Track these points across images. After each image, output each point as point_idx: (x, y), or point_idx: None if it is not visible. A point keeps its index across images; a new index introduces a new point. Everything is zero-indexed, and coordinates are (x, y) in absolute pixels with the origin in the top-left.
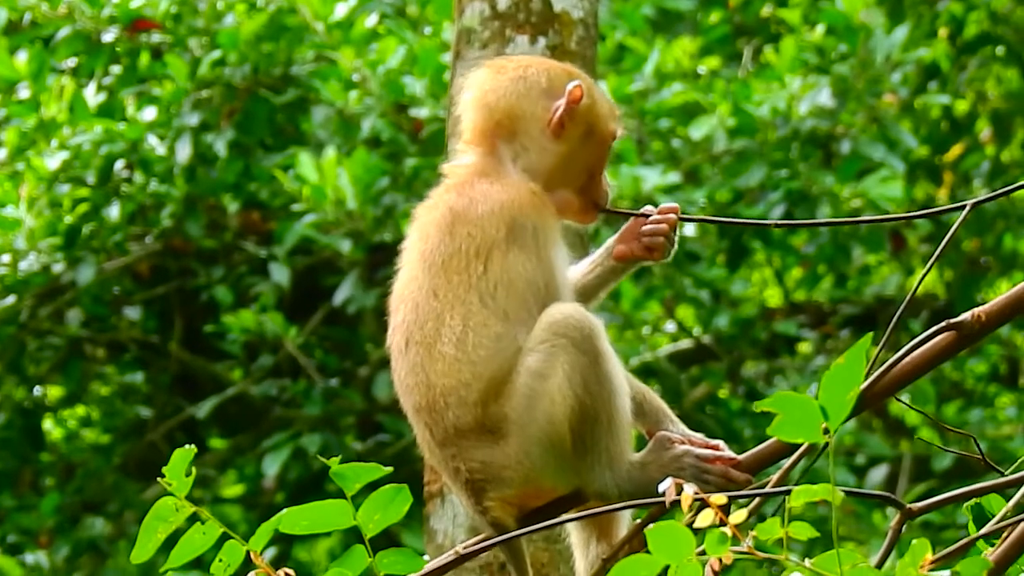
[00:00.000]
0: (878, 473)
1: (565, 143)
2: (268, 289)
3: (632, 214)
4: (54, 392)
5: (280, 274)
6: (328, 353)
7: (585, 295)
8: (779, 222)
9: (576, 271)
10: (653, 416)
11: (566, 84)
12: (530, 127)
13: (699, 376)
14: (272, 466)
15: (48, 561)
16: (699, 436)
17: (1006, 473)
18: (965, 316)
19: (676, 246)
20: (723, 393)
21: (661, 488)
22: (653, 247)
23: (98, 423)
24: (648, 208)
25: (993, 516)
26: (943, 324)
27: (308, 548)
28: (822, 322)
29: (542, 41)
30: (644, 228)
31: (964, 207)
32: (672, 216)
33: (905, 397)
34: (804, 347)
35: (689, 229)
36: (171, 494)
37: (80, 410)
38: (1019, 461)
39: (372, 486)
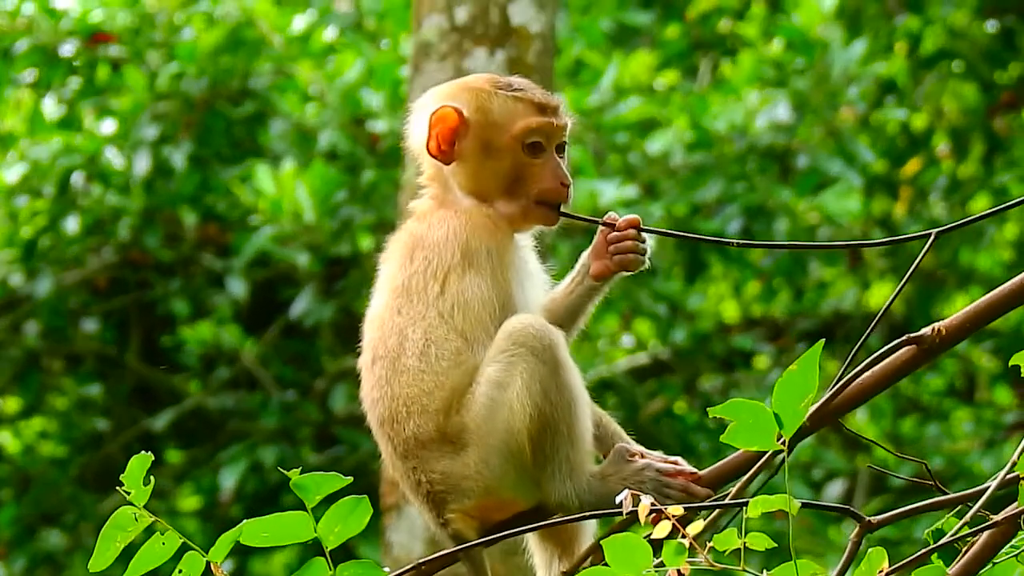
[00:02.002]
0: (835, 488)
1: (466, 162)
2: (225, 301)
3: (591, 220)
4: (11, 404)
5: (237, 287)
6: (285, 365)
7: (571, 315)
8: (743, 242)
9: (554, 295)
10: (609, 440)
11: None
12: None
13: (656, 390)
14: (229, 479)
15: (5, 573)
16: (657, 454)
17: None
18: (925, 330)
19: (648, 255)
20: (680, 407)
21: (619, 499)
22: (625, 262)
23: (55, 435)
24: (611, 216)
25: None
26: (904, 338)
27: (264, 561)
28: (779, 336)
29: (500, 54)
30: (610, 247)
31: (929, 235)
32: (632, 231)
33: (862, 412)
34: (761, 361)
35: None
36: (130, 503)
37: (37, 422)
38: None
39: (331, 498)
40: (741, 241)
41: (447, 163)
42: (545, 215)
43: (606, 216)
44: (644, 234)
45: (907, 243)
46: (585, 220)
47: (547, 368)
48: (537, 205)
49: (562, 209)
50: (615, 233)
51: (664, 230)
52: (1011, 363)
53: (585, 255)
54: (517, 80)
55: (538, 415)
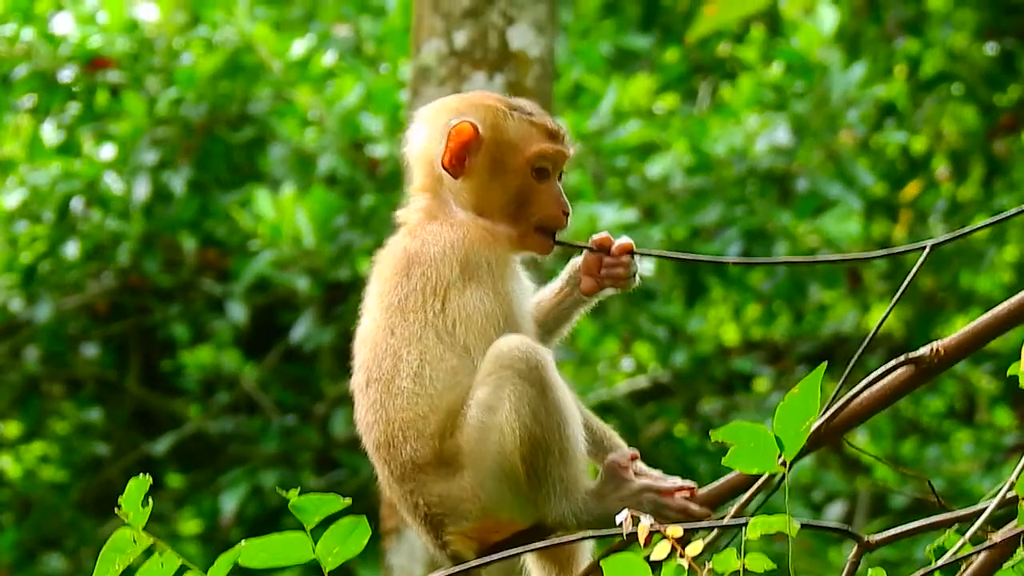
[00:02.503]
0: (835, 509)
1: (473, 178)
2: (225, 326)
3: (589, 248)
4: (11, 429)
5: (237, 311)
6: (285, 390)
7: (557, 323)
8: (736, 259)
9: (540, 298)
10: (612, 453)
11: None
12: (440, 168)
13: (655, 413)
14: (229, 502)
15: None
16: (657, 472)
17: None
18: (924, 350)
19: (638, 276)
20: (680, 430)
21: (618, 520)
22: (616, 284)
23: (55, 460)
24: (601, 237)
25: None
26: (902, 358)
27: None
28: (778, 359)
29: (499, 78)
30: (603, 271)
31: (924, 248)
32: (625, 258)
33: (862, 433)
34: (761, 384)
35: (646, 267)
36: (128, 525)
37: (37, 447)
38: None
39: (330, 521)
40: (737, 259)
41: (455, 177)
42: (542, 243)
43: (601, 236)
44: (640, 256)
45: (908, 265)
46: (580, 247)
47: (535, 390)
48: (536, 232)
49: (557, 237)
50: (609, 258)
51: (658, 251)
52: (1008, 373)
53: (573, 266)
54: (524, 102)
55: (528, 437)
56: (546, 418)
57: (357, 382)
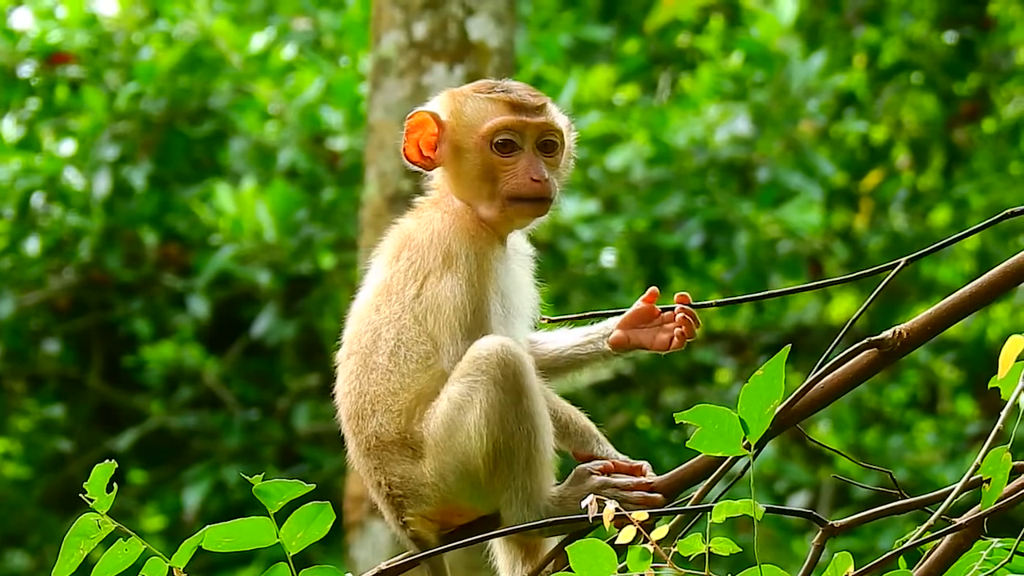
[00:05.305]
0: (798, 500)
1: (447, 166)
2: (187, 321)
3: (606, 314)
4: None
5: (199, 306)
6: (247, 384)
7: (570, 366)
8: (753, 295)
9: (566, 339)
10: (579, 437)
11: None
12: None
13: (618, 405)
14: (193, 498)
15: None
16: (624, 458)
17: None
18: (887, 333)
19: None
20: (643, 421)
21: (583, 504)
22: (659, 344)
23: (18, 457)
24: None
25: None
26: (864, 341)
27: None
28: (741, 350)
29: (459, 70)
30: (676, 328)
31: (898, 263)
32: (681, 316)
33: (824, 424)
34: (723, 375)
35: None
36: (93, 511)
37: (0, 444)
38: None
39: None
40: (753, 295)
41: (429, 169)
42: (529, 209)
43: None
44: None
45: (870, 255)
46: (608, 315)
47: (509, 397)
48: (512, 202)
49: (548, 204)
50: (682, 316)
51: (704, 303)
52: (989, 386)
53: (612, 321)
54: (507, 83)
55: (495, 444)
56: (516, 427)
57: (341, 353)
